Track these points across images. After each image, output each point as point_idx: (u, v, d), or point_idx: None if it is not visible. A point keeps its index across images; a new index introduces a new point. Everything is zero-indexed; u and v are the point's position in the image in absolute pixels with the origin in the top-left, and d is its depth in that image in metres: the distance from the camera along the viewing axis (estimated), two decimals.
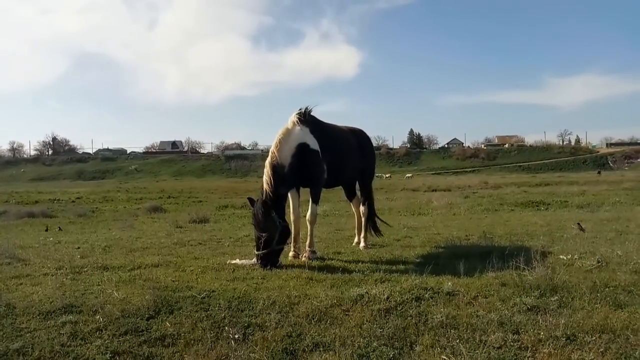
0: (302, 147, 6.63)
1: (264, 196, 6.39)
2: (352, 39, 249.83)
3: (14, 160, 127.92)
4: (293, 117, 6.86)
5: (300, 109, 6.96)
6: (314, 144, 6.75)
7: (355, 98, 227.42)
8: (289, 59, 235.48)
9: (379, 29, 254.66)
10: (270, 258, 6.18)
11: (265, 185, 6.42)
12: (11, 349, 3.56)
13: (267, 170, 6.49)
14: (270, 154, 6.61)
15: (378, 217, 8.42)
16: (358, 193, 8.33)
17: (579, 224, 9.16)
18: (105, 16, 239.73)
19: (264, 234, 6.17)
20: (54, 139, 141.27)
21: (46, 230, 11.47)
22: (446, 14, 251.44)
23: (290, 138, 6.65)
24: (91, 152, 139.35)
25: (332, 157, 7.00)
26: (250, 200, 6.63)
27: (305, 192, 7.17)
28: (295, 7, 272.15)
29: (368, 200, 8.08)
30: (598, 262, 5.77)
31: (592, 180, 39.14)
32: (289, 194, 6.88)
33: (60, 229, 12.00)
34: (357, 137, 8.06)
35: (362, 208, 8.06)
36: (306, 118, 6.91)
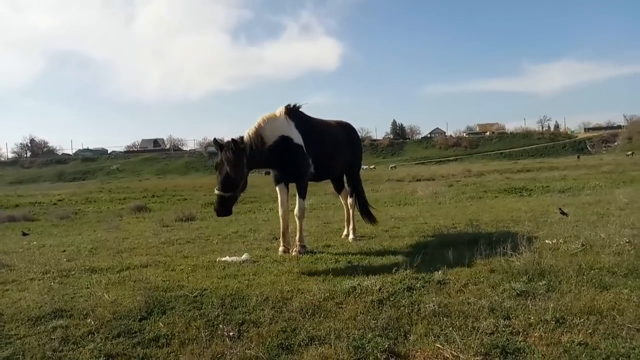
0: (285, 140, 6.63)
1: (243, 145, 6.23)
2: (332, 31, 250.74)
3: None
4: (281, 109, 6.89)
5: (288, 104, 6.95)
6: (297, 138, 6.75)
7: (338, 90, 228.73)
8: (270, 52, 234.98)
9: (358, 21, 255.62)
10: (227, 204, 6.10)
11: (248, 139, 6.33)
12: (1, 356, 3.50)
13: (253, 131, 6.39)
14: (256, 125, 6.49)
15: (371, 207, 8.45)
16: (346, 185, 8.35)
17: (560, 209, 9.33)
18: (80, 12, 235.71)
19: (228, 176, 6.00)
20: (32, 140, 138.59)
21: (24, 234, 11.18)
22: (425, 5, 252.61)
23: (275, 124, 6.65)
24: (71, 153, 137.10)
25: (319, 151, 7.00)
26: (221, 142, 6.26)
27: (292, 187, 7.15)
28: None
29: (356, 191, 8.12)
30: (582, 245, 5.90)
31: (572, 165, 39.94)
32: (277, 188, 6.91)
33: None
34: (345, 131, 8.07)
35: (350, 200, 8.09)
36: (294, 112, 6.92)
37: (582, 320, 3.62)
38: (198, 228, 10.74)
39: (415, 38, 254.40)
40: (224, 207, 6.14)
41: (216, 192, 6.13)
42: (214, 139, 6.35)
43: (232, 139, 6.15)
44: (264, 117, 6.62)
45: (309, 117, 7.31)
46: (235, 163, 6.05)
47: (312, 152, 6.87)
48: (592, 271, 4.82)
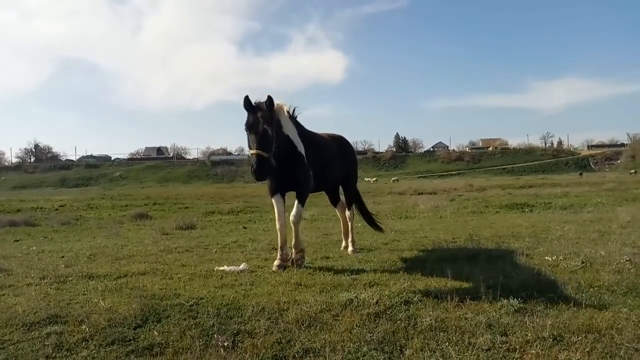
0: (289, 142, 6.49)
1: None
2: (338, 44, 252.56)
3: None
4: (286, 108, 6.71)
5: (287, 110, 6.81)
6: (301, 147, 6.67)
7: (341, 102, 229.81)
8: (276, 63, 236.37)
9: (364, 34, 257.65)
10: (267, 164, 5.80)
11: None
12: None
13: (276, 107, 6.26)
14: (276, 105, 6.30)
15: (369, 216, 8.40)
16: (342, 198, 8.31)
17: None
18: (90, 21, 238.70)
19: (266, 133, 5.80)
20: (37, 146, 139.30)
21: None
22: (431, 20, 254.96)
23: (285, 118, 6.49)
24: (74, 159, 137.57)
25: (315, 164, 6.86)
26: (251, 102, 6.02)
27: (288, 199, 7.11)
28: (281, 12, 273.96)
29: (355, 202, 8.07)
30: (582, 262, 5.87)
31: (574, 182, 39.82)
32: (273, 200, 6.71)
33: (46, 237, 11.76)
34: (338, 144, 8.00)
35: (347, 212, 8.05)
36: (294, 119, 6.84)
37: (580, 338, 3.58)
38: (198, 237, 10.72)
39: (420, 52, 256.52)
40: (263, 169, 5.75)
41: (254, 151, 5.72)
42: (246, 96, 5.98)
43: (269, 96, 5.98)
44: (279, 103, 6.36)
45: (305, 128, 7.24)
46: (270, 121, 5.90)
47: (310, 163, 6.79)
48: (592, 289, 4.80)
